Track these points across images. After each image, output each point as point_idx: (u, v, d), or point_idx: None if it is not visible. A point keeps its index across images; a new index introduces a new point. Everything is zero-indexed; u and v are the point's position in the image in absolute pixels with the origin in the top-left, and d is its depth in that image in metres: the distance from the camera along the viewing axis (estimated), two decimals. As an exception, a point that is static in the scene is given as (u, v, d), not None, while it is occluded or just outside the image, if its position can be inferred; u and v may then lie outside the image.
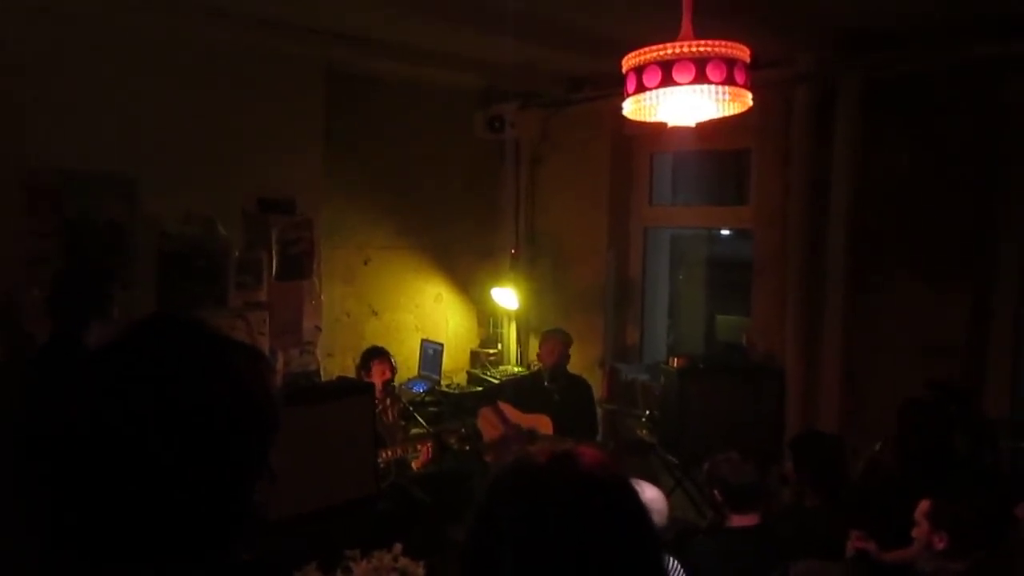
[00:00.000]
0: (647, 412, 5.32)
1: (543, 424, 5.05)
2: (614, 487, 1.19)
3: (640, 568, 1.15)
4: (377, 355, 5.08)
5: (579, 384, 5.48)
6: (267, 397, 1.01)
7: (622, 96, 2.94)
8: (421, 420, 4.73)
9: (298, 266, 5.02)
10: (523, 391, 5.39)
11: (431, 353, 6.24)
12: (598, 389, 5.81)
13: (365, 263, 6.12)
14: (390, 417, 4.87)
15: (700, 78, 2.69)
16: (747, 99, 2.86)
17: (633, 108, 2.93)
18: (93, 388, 0.91)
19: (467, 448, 4.60)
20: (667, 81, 2.72)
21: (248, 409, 0.98)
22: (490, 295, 6.58)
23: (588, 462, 1.19)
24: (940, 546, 2.92)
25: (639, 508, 1.20)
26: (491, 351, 6.68)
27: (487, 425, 5.10)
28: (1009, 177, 4.38)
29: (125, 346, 0.95)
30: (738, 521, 3.45)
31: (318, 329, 5.29)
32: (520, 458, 1.20)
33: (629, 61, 2.84)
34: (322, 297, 5.38)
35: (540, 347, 5.50)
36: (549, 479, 1.16)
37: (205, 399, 0.93)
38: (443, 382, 6.20)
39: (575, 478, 1.16)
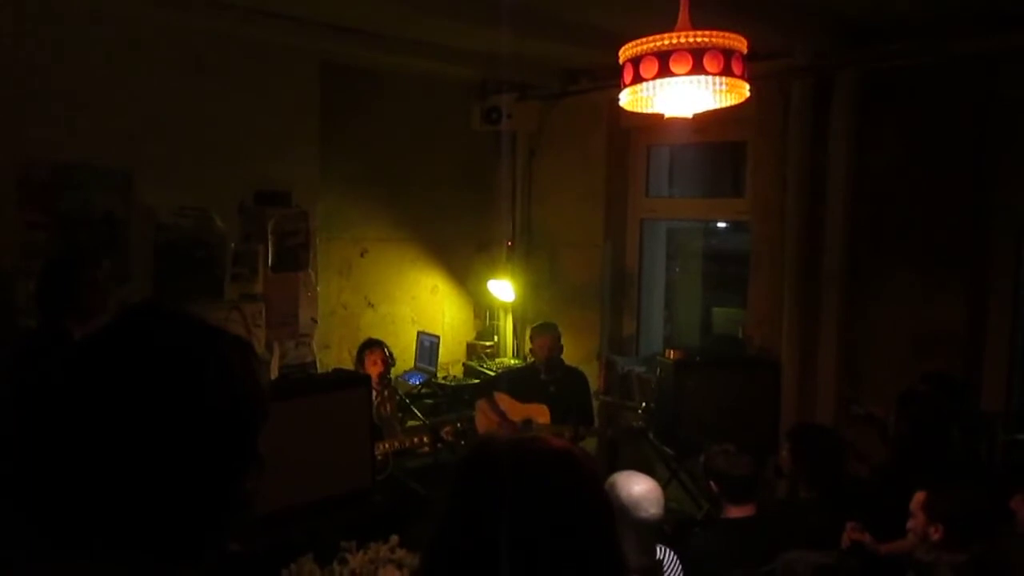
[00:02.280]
0: (643, 404, 5.31)
1: (541, 414, 5.05)
2: (575, 457, 1.32)
3: (596, 534, 1.27)
4: (369, 346, 5.06)
5: (575, 375, 5.48)
6: (255, 386, 1.00)
7: (619, 87, 2.94)
8: (417, 412, 4.72)
9: (294, 258, 5.02)
10: (519, 383, 5.39)
11: (427, 345, 6.24)
12: (594, 381, 5.81)
13: (361, 255, 6.11)
14: (387, 409, 4.87)
15: (697, 69, 2.69)
16: (744, 90, 2.85)
17: (630, 99, 2.92)
18: (78, 380, 0.91)
19: (462, 443, 4.59)
20: (664, 72, 2.71)
21: (236, 398, 0.97)
22: (486, 287, 6.57)
23: (552, 441, 1.35)
24: (936, 538, 2.93)
25: (596, 477, 1.35)
26: (487, 343, 6.68)
27: (483, 418, 5.10)
28: (1005, 170, 4.38)
29: (109, 336, 0.95)
30: (734, 512, 3.46)
31: (314, 321, 5.29)
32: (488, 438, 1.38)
33: (626, 51, 2.83)
34: (318, 289, 5.38)
35: (532, 341, 5.51)
36: (514, 451, 1.30)
37: (193, 388, 0.93)
38: (439, 374, 6.20)
39: (540, 448, 1.32)
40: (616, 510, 2.74)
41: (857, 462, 4.32)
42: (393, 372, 5.39)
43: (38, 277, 3.53)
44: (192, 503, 0.92)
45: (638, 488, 2.85)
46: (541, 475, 1.26)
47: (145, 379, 0.90)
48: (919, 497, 3.03)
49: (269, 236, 4.87)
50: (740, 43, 2.77)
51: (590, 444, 5.40)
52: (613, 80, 3.20)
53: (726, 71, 2.72)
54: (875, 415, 4.09)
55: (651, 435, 5.13)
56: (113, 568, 0.88)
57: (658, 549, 2.96)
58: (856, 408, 4.43)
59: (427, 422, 4.60)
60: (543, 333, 5.41)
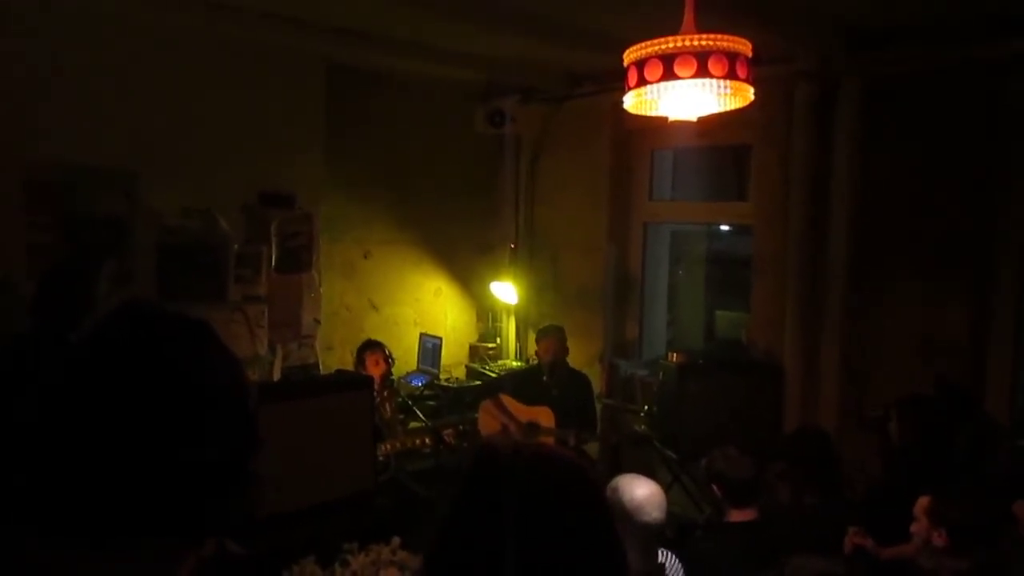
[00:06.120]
0: (646, 407, 5.31)
1: (545, 416, 5.04)
2: (578, 465, 1.33)
3: (599, 539, 1.27)
4: (370, 347, 5.08)
5: (578, 379, 5.47)
6: (242, 367, 1.01)
7: (623, 91, 2.94)
8: (420, 414, 4.72)
9: (297, 260, 5.01)
10: (522, 385, 5.39)
11: (430, 347, 6.24)
12: (597, 384, 5.81)
13: (365, 257, 6.12)
14: (387, 410, 4.87)
15: (702, 72, 2.68)
16: (749, 93, 2.85)
17: (634, 102, 2.92)
18: (78, 377, 0.91)
19: (464, 444, 4.59)
20: (668, 75, 2.71)
21: (234, 379, 0.98)
22: (489, 289, 6.58)
23: (554, 448, 1.39)
24: (939, 543, 2.92)
25: (598, 484, 1.37)
26: (490, 345, 6.68)
27: (488, 418, 5.09)
28: (1009, 175, 4.37)
29: (104, 334, 0.95)
30: (737, 516, 3.46)
31: (317, 322, 5.28)
32: (497, 440, 1.38)
33: (631, 54, 2.83)
34: (321, 290, 5.37)
35: (537, 344, 5.51)
36: (518, 458, 1.30)
37: (194, 372, 0.93)
38: (442, 376, 6.20)
39: (543, 456, 1.32)
40: (619, 514, 2.75)
41: (856, 471, 4.32)
42: (396, 373, 5.38)
43: (39, 281, 3.53)
44: (201, 486, 0.92)
45: (641, 492, 2.85)
46: (544, 482, 1.27)
47: (146, 368, 0.91)
48: (923, 502, 3.02)
49: (273, 238, 4.87)
50: (745, 46, 2.77)
51: (592, 448, 5.40)
52: (617, 83, 3.20)
53: (730, 74, 2.71)
54: (889, 415, 4.03)
55: (654, 439, 5.13)
56: (121, 557, 0.88)
57: (660, 553, 2.96)
58: (873, 411, 4.37)
59: (429, 424, 4.60)
60: (547, 336, 5.42)
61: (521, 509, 1.21)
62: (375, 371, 4.88)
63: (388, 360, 5.05)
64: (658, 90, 2.79)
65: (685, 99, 2.87)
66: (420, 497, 4.07)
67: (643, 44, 2.78)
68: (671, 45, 2.71)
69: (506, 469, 1.28)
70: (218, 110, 4.89)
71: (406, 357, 6.14)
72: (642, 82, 2.78)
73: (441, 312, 6.65)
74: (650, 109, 2.98)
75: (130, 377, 0.90)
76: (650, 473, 4.46)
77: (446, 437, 4.38)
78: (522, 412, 5.09)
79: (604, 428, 5.67)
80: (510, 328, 6.74)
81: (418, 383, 6.02)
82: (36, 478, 0.87)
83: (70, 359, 0.92)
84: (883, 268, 4.74)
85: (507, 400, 5.15)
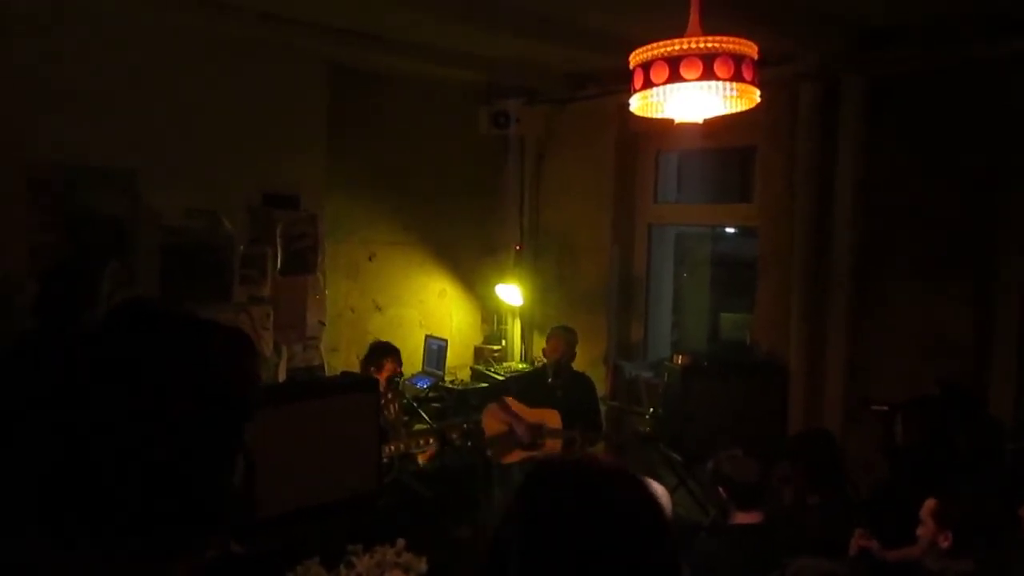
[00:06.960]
0: (651, 409, 5.30)
1: (551, 419, 5.03)
2: (638, 483, 1.32)
3: (658, 559, 1.25)
4: (391, 353, 5.03)
5: (582, 380, 5.46)
6: (242, 379, 0.99)
7: (628, 92, 2.94)
8: (425, 415, 4.72)
9: (302, 261, 5.02)
10: (527, 387, 5.38)
11: (435, 349, 6.24)
12: (602, 386, 5.80)
13: (370, 258, 6.12)
14: (392, 412, 4.87)
15: (708, 74, 2.68)
16: (755, 96, 2.84)
17: (640, 104, 2.92)
18: (60, 378, 0.91)
19: (469, 444, 4.59)
20: (674, 77, 2.70)
21: (220, 391, 0.97)
22: (494, 291, 6.57)
23: (611, 463, 1.37)
24: (945, 545, 2.91)
25: (660, 504, 1.32)
26: (495, 347, 6.67)
27: (492, 421, 5.08)
28: (1013, 175, 4.36)
29: (94, 335, 0.95)
30: (742, 519, 3.44)
31: (322, 324, 5.30)
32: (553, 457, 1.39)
33: (636, 57, 2.83)
34: (326, 292, 5.38)
35: (546, 342, 5.50)
36: (581, 470, 1.30)
37: (172, 383, 0.92)
38: (447, 378, 6.20)
39: (603, 470, 1.31)
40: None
41: (860, 470, 4.31)
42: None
43: (41, 280, 3.54)
44: (176, 497, 0.91)
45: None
46: (608, 492, 1.27)
47: (126, 375, 0.90)
48: (929, 504, 3.01)
49: (278, 239, 4.88)
50: (751, 49, 2.77)
51: (598, 450, 5.39)
52: (621, 85, 3.20)
53: (736, 76, 2.71)
54: (896, 406, 4.02)
55: (659, 440, 5.12)
56: (103, 565, 0.88)
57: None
58: (876, 407, 4.37)
59: (434, 425, 4.60)
60: (555, 335, 5.39)
61: (526, 519, 1.22)
62: (388, 375, 4.86)
63: (400, 365, 5.05)
64: (664, 92, 2.78)
65: (691, 101, 2.86)
66: (424, 498, 4.07)
67: (649, 46, 2.78)
68: (677, 47, 2.70)
69: (566, 476, 1.29)
70: (220, 111, 4.91)
71: (411, 359, 6.14)
72: (648, 84, 2.78)
73: (446, 314, 6.65)
74: (656, 111, 2.98)
75: (127, 375, 0.90)
76: (655, 475, 4.46)
77: (450, 438, 4.38)
78: (527, 414, 5.08)
79: (609, 430, 5.67)
80: (515, 330, 6.74)
81: (423, 385, 6.02)
82: (35, 477, 0.87)
83: (68, 357, 0.92)
84: (887, 269, 4.74)
85: (512, 402, 5.14)
